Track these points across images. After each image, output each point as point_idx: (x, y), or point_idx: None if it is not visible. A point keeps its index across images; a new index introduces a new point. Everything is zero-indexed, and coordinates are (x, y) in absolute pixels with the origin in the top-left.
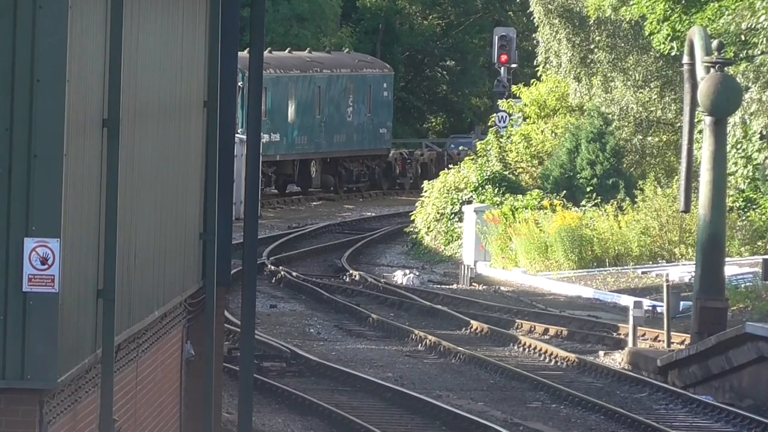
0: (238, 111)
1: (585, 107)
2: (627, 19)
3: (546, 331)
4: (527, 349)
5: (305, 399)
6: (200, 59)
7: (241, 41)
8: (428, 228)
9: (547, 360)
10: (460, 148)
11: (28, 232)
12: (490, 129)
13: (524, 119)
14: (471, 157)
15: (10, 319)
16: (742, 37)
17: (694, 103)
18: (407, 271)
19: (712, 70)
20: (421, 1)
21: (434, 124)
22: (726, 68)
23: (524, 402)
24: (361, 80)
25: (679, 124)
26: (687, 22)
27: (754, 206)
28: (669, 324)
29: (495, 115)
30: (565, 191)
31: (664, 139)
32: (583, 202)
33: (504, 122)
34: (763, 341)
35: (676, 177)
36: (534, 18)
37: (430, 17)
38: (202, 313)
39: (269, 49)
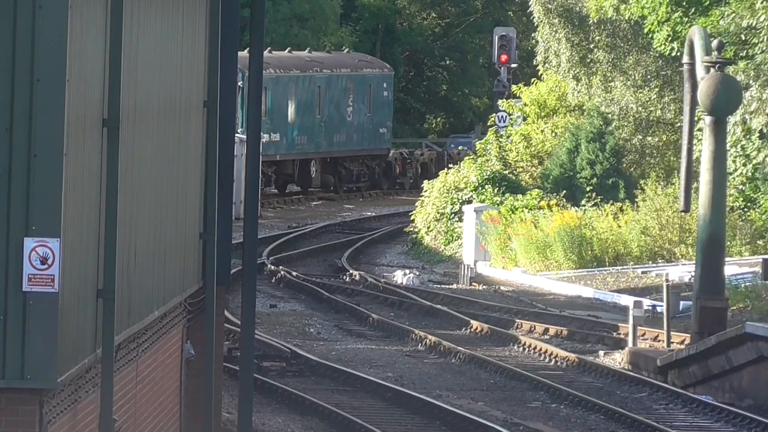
0: (238, 111)
1: (585, 107)
2: (627, 19)
3: (546, 330)
4: (527, 349)
5: (305, 399)
6: (200, 59)
7: (241, 41)
8: (428, 228)
9: (547, 360)
10: (460, 147)
11: (28, 231)
12: (490, 129)
13: (524, 119)
14: (471, 157)
15: (10, 319)
16: (742, 37)
17: (694, 103)
18: (407, 271)
19: (712, 69)
20: (420, 1)
21: (434, 124)
22: (726, 68)
23: (524, 402)
24: (361, 80)
25: (678, 124)
26: (688, 24)
27: (755, 206)
28: (669, 324)
29: (495, 114)
30: (565, 191)
31: (664, 139)
32: (583, 202)
33: (504, 122)
34: (763, 341)
35: (676, 176)
36: (534, 18)
37: (430, 17)
38: (202, 312)
39: (269, 49)
